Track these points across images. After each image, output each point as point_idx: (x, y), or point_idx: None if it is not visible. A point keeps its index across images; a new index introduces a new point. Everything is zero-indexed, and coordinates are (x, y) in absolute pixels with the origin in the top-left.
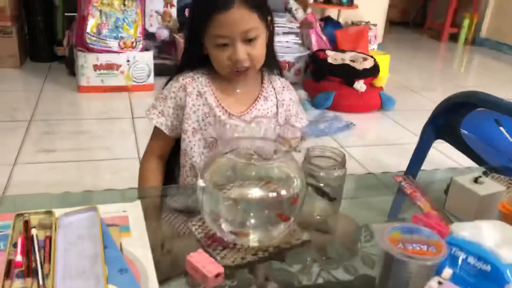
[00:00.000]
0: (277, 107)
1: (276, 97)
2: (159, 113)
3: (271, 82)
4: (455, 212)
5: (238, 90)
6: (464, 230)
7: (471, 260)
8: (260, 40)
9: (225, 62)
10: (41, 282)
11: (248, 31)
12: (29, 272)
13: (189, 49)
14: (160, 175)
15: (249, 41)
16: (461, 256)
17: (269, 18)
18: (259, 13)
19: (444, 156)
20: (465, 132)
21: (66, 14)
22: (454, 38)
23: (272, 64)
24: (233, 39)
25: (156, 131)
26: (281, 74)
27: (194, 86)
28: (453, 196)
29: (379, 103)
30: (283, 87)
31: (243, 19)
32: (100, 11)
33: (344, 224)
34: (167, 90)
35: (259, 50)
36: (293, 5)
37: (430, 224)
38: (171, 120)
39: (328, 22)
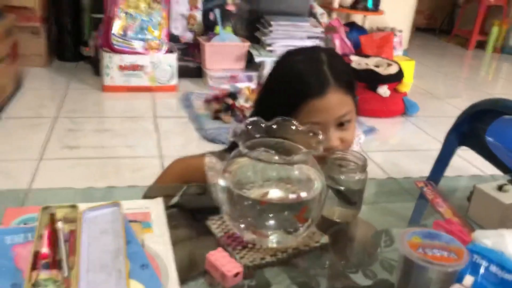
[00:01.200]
0: None
1: None
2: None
3: None
4: (478, 220)
5: None
6: (487, 238)
7: (493, 268)
8: (353, 123)
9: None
10: (65, 274)
11: (343, 115)
12: (54, 264)
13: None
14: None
15: (341, 124)
16: (483, 264)
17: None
18: (352, 94)
19: (467, 163)
20: (490, 139)
21: (93, 15)
22: (481, 45)
23: None
24: (326, 125)
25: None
26: None
27: None
28: (476, 204)
29: (403, 108)
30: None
31: (338, 103)
32: (126, 13)
33: (363, 230)
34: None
35: (351, 133)
36: (318, 10)
37: (452, 230)
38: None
39: (353, 27)
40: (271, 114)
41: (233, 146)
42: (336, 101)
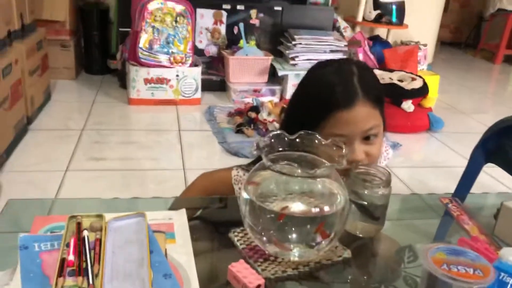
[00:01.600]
0: None
1: None
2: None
3: None
4: (505, 238)
5: None
6: None
7: None
8: (379, 138)
9: None
10: (90, 282)
11: (370, 129)
12: (80, 271)
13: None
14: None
15: (367, 138)
16: (510, 282)
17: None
18: (381, 108)
19: (494, 180)
20: None
21: (120, 29)
22: (509, 60)
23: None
24: (352, 139)
25: (229, 176)
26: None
27: None
28: (503, 222)
29: (427, 124)
30: None
31: (366, 116)
32: (153, 27)
33: (386, 245)
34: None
35: (377, 148)
36: (341, 23)
37: (477, 248)
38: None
39: (376, 41)
40: (299, 124)
41: (259, 159)
42: (363, 114)
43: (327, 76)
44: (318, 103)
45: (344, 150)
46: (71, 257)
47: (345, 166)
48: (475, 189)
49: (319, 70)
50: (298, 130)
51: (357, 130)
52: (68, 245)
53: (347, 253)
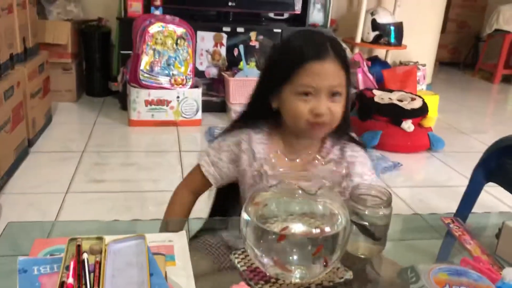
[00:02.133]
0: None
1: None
2: (211, 162)
3: (341, 150)
4: (507, 258)
5: (297, 160)
6: None
7: None
8: (342, 99)
9: (304, 114)
10: None
11: (335, 86)
12: None
13: (257, 100)
14: (189, 210)
15: (332, 96)
16: None
17: (350, 84)
18: (346, 72)
19: (496, 199)
20: None
21: (121, 52)
22: (507, 80)
23: (343, 128)
24: (319, 91)
25: (200, 174)
26: (354, 141)
27: (249, 144)
28: (505, 241)
29: (428, 143)
30: (345, 144)
31: (333, 72)
32: (154, 49)
33: (387, 268)
34: (223, 142)
35: (340, 108)
36: None
37: (480, 268)
38: (219, 172)
39: (375, 62)
40: (272, 80)
41: (229, 129)
42: (332, 70)
43: (301, 36)
44: (292, 56)
45: (344, 171)
46: (70, 280)
47: (308, 121)
48: (477, 208)
49: (292, 35)
50: (272, 86)
51: (325, 83)
52: (67, 268)
53: (349, 275)
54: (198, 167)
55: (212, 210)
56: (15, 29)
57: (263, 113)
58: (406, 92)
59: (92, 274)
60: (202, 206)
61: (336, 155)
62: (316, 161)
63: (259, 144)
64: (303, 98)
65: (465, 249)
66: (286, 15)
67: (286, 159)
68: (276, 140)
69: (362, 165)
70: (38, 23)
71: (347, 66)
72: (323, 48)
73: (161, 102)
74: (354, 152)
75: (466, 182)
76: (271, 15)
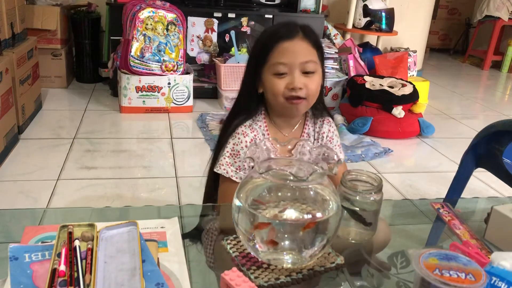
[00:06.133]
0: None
1: (316, 132)
2: (237, 169)
3: (314, 123)
4: (496, 242)
5: (286, 134)
6: (505, 260)
7: None
8: (317, 77)
9: (281, 90)
10: None
11: (307, 62)
12: (72, 281)
13: (246, 83)
14: None
15: (306, 73)
16: (502, 286)
17: (324, 65)
18: (318, 52)
19: (485, 184)
20: (508, 161)
21: (111, 37)
22: (497, 65)
23: (319, 108)
24: (292, 68)
25: (235, 183)
26: (330, 116)
27: (259, 137)
28: (494, 226)
29: (418, 129)
30: (323, 120)
31: (304, 50)
32: (144, 35)
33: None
34: (239, 146)
35: (315, 85)
36: (332, 31)
37: (469, 252)
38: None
39: (366, 48)
40: (255, 61)
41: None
42: (302, 47)
43: (276, 24)
44: (266, 40)
45: (335, 157)
46: (62, 267)
47: (286, 96)
48: (466, 193)
49: (270, 25)
50: (254, 71)
51: (296, 59)
52: (59, 255)
53: (340, 259)
54: (229, 180)
55: (205, 197)
56: (2, 14)
57: (253, 100)
58: (397, 79)
59: (84, 261)
60: (191, 193)
61: (316, 132)
62: (305, 143)
63: (263, 132)
64: (279, 77)
65: (454, 233)
66: (277, 1)
67: (278, 145)
68: (272, 124)
69: (336, 140)
70: (26, 8)
71: (318, 45)
72: (292, 28)
73: (152, 89)
74: (331, 127)
75: (455, 167)
76: (263, 0)
